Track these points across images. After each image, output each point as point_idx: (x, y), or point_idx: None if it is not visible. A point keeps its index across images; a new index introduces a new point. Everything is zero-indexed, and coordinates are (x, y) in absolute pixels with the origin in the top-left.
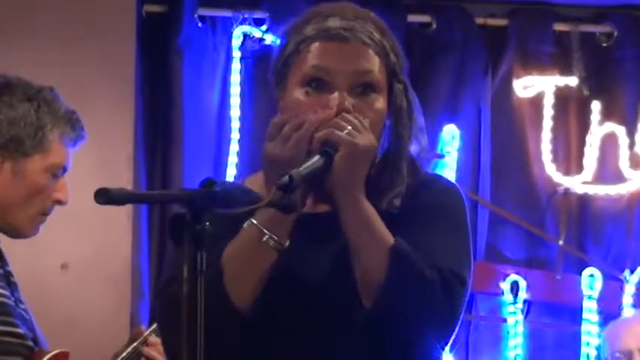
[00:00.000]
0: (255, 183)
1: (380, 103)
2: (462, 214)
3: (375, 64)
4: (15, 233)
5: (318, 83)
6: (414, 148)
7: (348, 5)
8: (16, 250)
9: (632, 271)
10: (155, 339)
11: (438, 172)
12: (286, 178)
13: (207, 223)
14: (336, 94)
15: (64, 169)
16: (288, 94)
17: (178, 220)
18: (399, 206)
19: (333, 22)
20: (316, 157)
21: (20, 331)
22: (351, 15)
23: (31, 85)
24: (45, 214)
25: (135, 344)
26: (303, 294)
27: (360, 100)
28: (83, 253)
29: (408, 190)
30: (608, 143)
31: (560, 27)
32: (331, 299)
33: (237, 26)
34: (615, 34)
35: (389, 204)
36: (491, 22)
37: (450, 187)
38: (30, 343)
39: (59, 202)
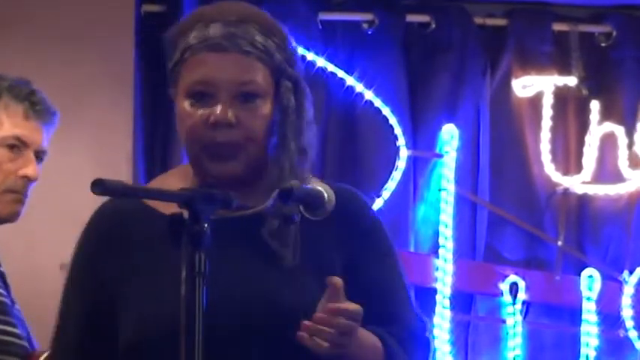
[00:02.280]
0: (169, 181)
1: (265, 108)
2: (392, 243)
3: (256, 71)
4: None
5: (201, 95)
6: (301, 144)
7: (232, 5)
8: (14, 250)
9: (631, 272)
10: None
11: (436, 172)
12: (289, 185)
13: (206, 225)
14: (219, 104)
15: (23, 143)
16: (178, 103)
17: (177, 220)
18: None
19: (214, 30)
20: (319, 188)
21: (17, 331)
22: (234, 17)
23: None
24: (15, 191)
25: None
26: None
27: (243, 108)
28: None
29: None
30: (607, 143)
31: (559, 27)
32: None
33: None
34: (614, 34)
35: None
36: (490, 21)
37: (374, 214)
38: (26, 343)
39: (28, 178)
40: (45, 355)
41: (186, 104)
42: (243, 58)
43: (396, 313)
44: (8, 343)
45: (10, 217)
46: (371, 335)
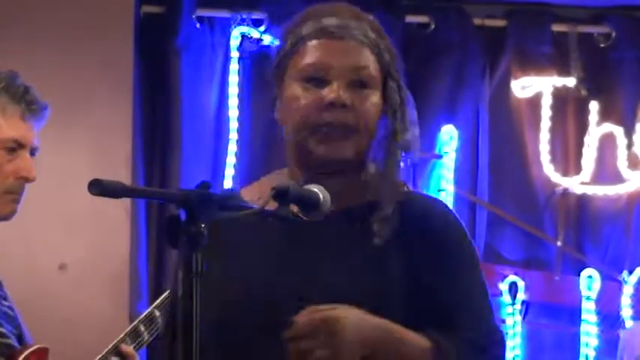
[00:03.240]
0: (250, 194)
1: (375, 98)
2: (477, 258)
3: (369, 61)
4: None
5: (316, 80)
6: (407, 144)
7: (344, 5)
8: (14, 251)
9: (630, 272)
10: (128, 348)
11: (436, 172)
12: (285, 186)
13: (203, 225)
14: (334, 86)
15: (20, 144)
16: (286, 91)
17: (174, 221)
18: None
19: (329, 21)
20: (315, 189)
21: (3, 330)
22: (347, 14)
23: None
24: (11, 192)
25: (101, 355)
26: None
27: (357, 93)
28: (81, 254)
29: (406, 214)
30: (606, 144)
31: (558, 28)
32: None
33: (235, 27)
34: (613, 34)
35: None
36: (489, 22)
37: (461, 227)
38: (10, 341)
39: (26, 180)
40: (28, 351)
41: (297, 89)
42: (358, 46)
43: (465, 320)
44: None
45: (8, 216)
46: (417, 338)
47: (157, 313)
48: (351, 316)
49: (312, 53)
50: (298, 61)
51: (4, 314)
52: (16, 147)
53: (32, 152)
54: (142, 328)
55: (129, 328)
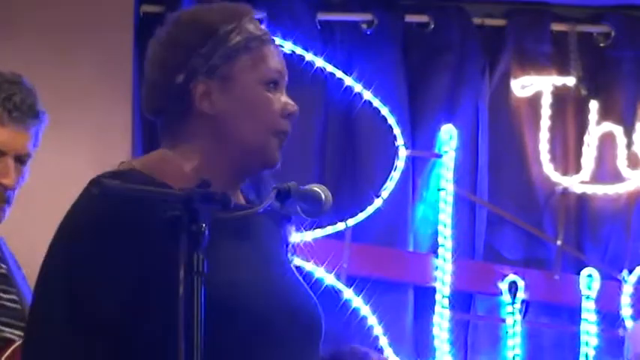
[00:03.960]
0: (157, 168)
1: None
2: None
3: None
4: None
5: (273, 85)
6: None
7: None
8: (18, 249)
9: (630, 271)
10: None
11: (435, 172)
12: (287, 186)
13: (204, 225)
14: (288, 99)
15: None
16: (241, 88)
17: (175, 220)
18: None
19: (260, 25)
20: (316, 188)
21: None
22: None
23: None
24: None
25: None
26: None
27: None
28: None
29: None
30: (606, 143)
31: (557, 27)
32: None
33: None
34: (613, 34)
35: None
36: (489, 22)
37: None
38: (5, 334)
39: (4, 187)
40: (16, 345)
41: (260, 89)
42: None
43: None
44: None
45: None
46: None
47: None
48: None
49: (271, 58)
50: (256, 63)
51: (2, 306)
52: None
53: (22, 159)
54: None
55: None
